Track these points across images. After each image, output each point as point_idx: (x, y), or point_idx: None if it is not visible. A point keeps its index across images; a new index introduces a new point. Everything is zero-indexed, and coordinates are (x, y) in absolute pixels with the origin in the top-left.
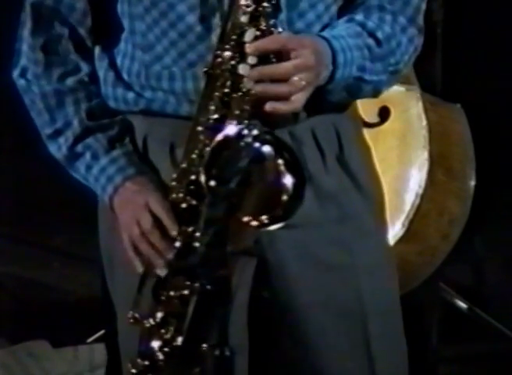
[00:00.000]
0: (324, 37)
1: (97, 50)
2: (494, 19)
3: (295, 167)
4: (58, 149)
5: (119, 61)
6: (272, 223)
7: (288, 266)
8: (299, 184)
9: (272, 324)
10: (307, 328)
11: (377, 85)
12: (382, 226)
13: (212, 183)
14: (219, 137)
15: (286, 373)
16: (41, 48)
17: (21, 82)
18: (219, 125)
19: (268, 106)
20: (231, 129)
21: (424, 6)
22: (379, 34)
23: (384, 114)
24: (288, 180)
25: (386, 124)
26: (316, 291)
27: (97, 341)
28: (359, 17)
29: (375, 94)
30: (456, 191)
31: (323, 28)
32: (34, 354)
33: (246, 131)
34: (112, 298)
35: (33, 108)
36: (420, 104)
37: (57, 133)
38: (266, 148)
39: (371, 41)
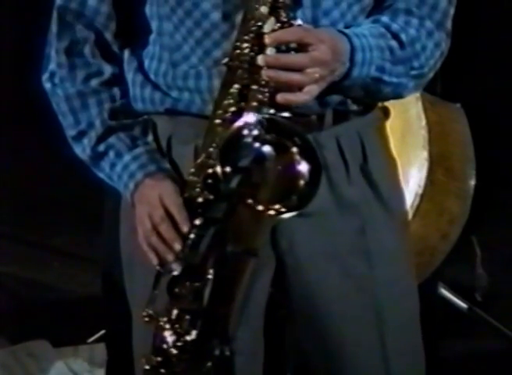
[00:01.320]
0: (345, 34)
1: (126, 53)
2: (494, 19)
3: (310, 154)
4: (82, 150)
5: (146, 63)
6: (287, 211)
7: (307, 271)
8: (315, 171)
9: (288, 331)
10: (323, 336)
11: (397, 88)
12: (403, 240)
13: (228, 171)
14: (234, 126)
15: None
16: (65, 51)
17: (48, 86)
18: (236, 117)
19: (280, 97)
20: (251, 116)
21: (452, 11)
22: (403, 37)
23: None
24: (304, 168)
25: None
26: (334, 300)
27: (97, 341)
28: (384, 19)
29: (396, 96)
30: (456, 190)
31: (346, 27)
32: (34, 354)
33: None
34: (114, 298)
35: (58, 111)
36: (419, 104)
37: (81, 135)
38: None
39: (394, 43)
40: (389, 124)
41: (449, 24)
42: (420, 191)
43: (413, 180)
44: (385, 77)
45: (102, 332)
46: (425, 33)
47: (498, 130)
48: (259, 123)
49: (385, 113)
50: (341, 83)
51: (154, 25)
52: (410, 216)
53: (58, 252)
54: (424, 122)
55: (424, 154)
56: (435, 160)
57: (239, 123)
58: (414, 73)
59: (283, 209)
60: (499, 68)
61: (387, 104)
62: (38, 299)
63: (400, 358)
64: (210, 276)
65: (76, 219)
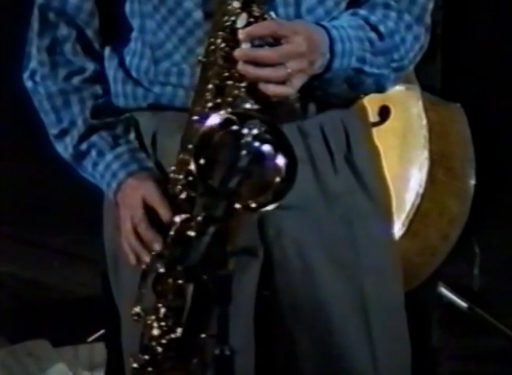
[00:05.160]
0: (323, 26)
1: (106, 50)
2: (494, 19)
3: (285, 148)
4: (65, 149)
5: (128, 60)
6: (263, 205)
7: (293, 260)
8: (290, 165)
9: (275, 321)
10: (309, 325)
11: (379, 79)
12: (387, 229)
13: (202, 169)
14: (208, 123)
15: (290, 371)
16: (47, 49)
17: (29, 84)
18: (211, 114)
19: (262, 86)
20: (216, 117)
21: (431, 6)
22: (382, 28)
23: (384, 113)
24: (280, 162)
25: (386, 123)
26: (321, 287)
27: (97, 340)
28: (363, 12)
29: (378, 89)
30: (457, 190)
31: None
32: (34, 354)
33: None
34: (114, 297)
35: (41, 110)
36: (420, 103)
37: (63, 133)
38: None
39: (372, 35)
40: (390, 124)
41: (428, 19)
42: (421, 191)
43: (413, 180)
44: (367, 68)
45: (102, 332)
46: (404, 27)
47: (498, 130)
48: (229, 121)
49: (386, 113)
50: (323, 76)
51: (135, 22)
52: (410, 215)
53: (58, 252)
54: (424, 121)
55: (425, 153)
56: (436, 160)
57: (208, 123)
58: (394, 65)
59: (256, 205)
60: (499, 68)
61: (388, 104)
62: (38, 299)
63: (386, 345)
64: (206, 275)
65: (76, 219)
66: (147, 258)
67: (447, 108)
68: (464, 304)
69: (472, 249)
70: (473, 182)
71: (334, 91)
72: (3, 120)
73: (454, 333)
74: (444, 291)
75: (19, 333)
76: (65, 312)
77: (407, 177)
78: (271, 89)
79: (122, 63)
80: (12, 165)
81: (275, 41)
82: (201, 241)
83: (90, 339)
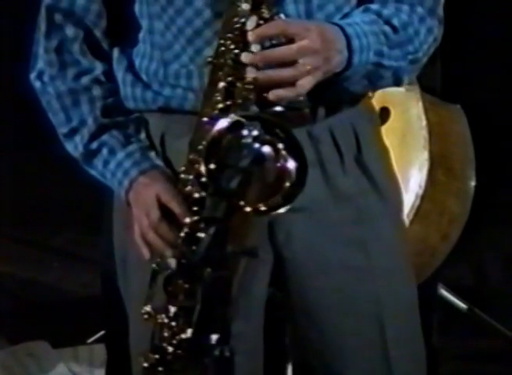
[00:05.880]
0: (337, 24)
1: (115, 53)
2: (494, 19)
3: (296, 151)
4: (74, 148)
5: (137, 62)
6: (273, 209)
7: (304, 264)
8: (301, 169)
9: (285, 324)
10: (322, 329)
11: (397, 71)
12: (399, 229)
13: (213, 171)
14: (217, 127)
15: (301, 371)
16: (55, 50)
17: (37, 84)
18: (221, 115)
19: (272, 95)
20: (225, 121)
21: None
22: (395, 21)
23: (384, 115)
24: (290, 165)
25: (386, 125)
26: (332, 292)
27: (97, 341)
28: (375, 6)
29: (396, 82)
30: (456, 191)
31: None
32: (34, 354)
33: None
34: (114, 298)
35: (49, 109)
36: (420, 104)
37: (73, 132)
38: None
39: (387, 28)
40: (389, 125)
41: (440, 11)
42: (420, 192)
43: (413, 181)
44: (385, 61)
45: (102, 332)
46: (417, 19)
47: (498, 130)
48: (240, 123)
49: (386, 114)
50: (343, 74)
51: (144, 23)
52: (410, 216)
53: (58, 252)
54: (424, 122)
55: (425, 154)
56: (436, 160)
57: (219, 125)
58: (410, 57)
59: (267, 208)
60: (499, 68)
61: (387, 105)
62: (38, 299)
63: (400, 347)
64: (206, 275)
65: (76, 219)
66: (169, 253)
67: (447, 109)
68: (463, 304)
69: (472, 249)
70: (473, 183)
71: (354, 89)
72: (3, 120)
73: (454, 334)
74: (444, 291)
75: (19, 334)
76: (65, 312)
77: (407, 178)
78: (282, 94)
79: (131, 66)
80: (12, 165)
81: (288, 40)
82: (205, 241)
83: (90, 340)
